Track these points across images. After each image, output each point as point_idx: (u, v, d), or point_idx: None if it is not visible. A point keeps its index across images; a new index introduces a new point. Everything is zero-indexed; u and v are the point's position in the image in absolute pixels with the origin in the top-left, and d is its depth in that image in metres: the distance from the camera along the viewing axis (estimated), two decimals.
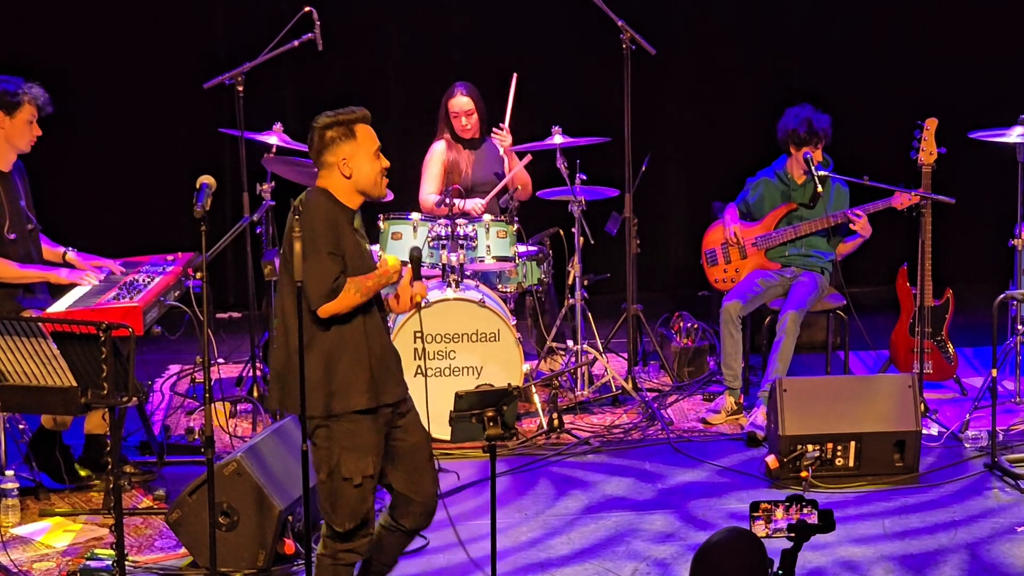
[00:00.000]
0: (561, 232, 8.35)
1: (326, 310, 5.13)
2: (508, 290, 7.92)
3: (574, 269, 8.05)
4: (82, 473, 6.97)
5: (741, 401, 7.85)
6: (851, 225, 7.88)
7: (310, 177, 7.80)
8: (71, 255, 7.05)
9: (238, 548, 6.04)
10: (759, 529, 4.48)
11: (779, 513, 4.48)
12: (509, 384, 4.93)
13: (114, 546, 5.50)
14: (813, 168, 7.82)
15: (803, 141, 7.86)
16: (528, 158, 8.07)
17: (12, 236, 6.78)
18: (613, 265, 8.93)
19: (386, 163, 5.32)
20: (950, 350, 7.91)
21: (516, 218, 7.84)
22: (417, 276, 5.43)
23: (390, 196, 7.85)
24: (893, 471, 7.01)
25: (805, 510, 4.47)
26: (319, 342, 5.19)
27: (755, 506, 4.50)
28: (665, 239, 10.20)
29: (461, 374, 7.54)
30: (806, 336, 8.19)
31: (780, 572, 4.38)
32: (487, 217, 7.78)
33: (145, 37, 9.61)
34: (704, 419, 7.80)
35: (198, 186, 5.48)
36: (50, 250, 7.06)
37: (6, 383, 5.66)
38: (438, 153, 8.28)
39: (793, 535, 4.45)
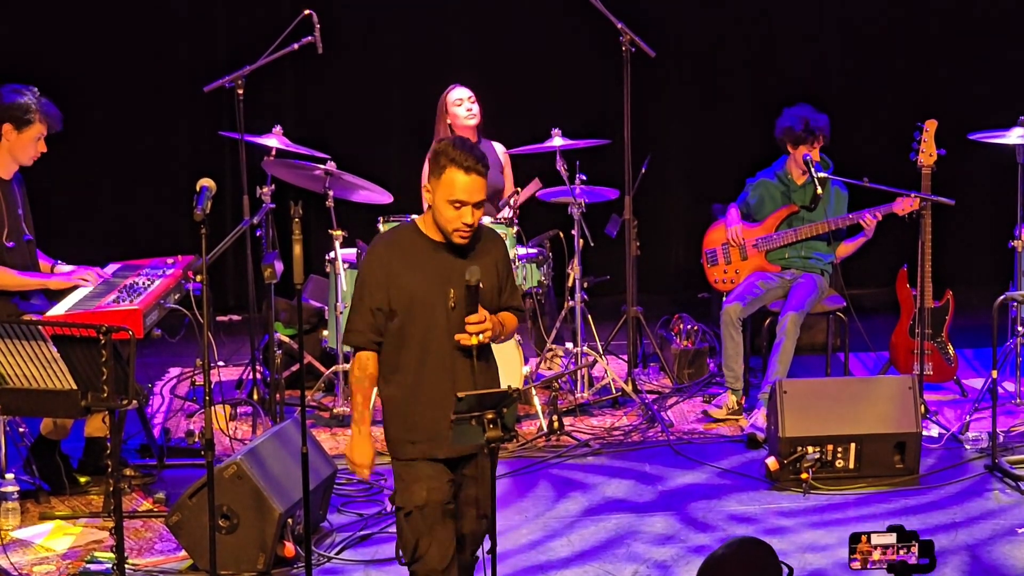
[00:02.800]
0: (561, 234, 8.34)
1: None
2: None
3: (574, 271, 8.05)
4: (81, 480, 6.96)
5: (742, 402, 7.85)
6: (863, 223, 7.87)
7: (310, 180, 7.82)
8: (60, 267, 7.02)
9: (238, 551, 6.04)
10: (855, 565, 4.37)
11: (876, 555, 4.38)
12: (509, 386, 4.89)
13: (114, 549, 5.49)
14: (812, 169, 7.82)
15: (800, 140, 7.86)
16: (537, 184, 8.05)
17: (11, 244, 6.76)
18: (613, 267, 8.92)
19: (467, 219, 5.02)
20: (950, 351, 7.90)
21: (516, 220, 7.84)
22: (472, 307, 5.04)
23: (390, 198, 7.87)
24: (893, 473, 7.00)
25: (902, 551, 4.33)
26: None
27: (855, 537, 4.36)
28: (665, 241, 10.20)
29: None
30: (806, 338, 8.19)
31: None
32: (486, 219, 7.76)
33: (145, 40, 9.60)
34: (706, 411, 7.81)
35: (198, 189, 5.48)
36: (40, 264, 7.02)
37: (6, 386, 5.65)
38: None
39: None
